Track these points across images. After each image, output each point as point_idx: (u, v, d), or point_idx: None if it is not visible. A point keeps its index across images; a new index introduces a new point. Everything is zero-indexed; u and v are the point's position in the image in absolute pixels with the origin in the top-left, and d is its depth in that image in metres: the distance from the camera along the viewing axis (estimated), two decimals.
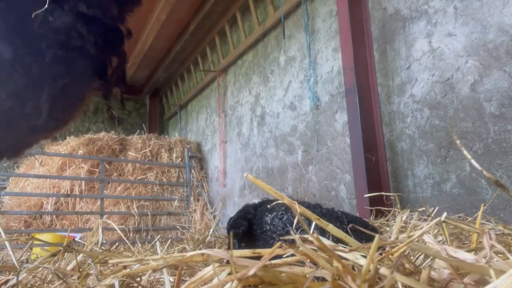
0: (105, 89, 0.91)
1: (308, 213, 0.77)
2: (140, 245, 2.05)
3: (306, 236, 0.60)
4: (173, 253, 1.73)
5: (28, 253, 1.94)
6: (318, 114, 3.28)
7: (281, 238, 0.69)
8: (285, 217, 1.26)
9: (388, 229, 1.74)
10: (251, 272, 0.50)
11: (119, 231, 1.50)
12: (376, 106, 2.59)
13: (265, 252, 0.66)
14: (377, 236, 0.58)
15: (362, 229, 0.87)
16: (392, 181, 2.52)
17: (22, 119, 0.81)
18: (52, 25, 0.70)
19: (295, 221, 0.76)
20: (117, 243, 2.44)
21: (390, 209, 2.13)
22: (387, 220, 1.95)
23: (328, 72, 3.20)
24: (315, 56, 3.38)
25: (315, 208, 1.26)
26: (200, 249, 1.68)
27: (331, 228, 0.74)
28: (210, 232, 2.15)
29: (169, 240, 2.13)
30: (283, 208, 1.31)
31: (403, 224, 1.50)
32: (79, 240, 3.54)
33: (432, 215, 1.56)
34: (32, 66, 0.72)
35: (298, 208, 0.75)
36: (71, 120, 0.91)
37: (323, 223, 0.75)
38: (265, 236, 1.25)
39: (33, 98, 0.75)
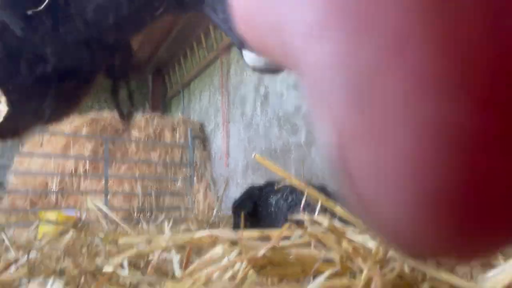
0: (112, 86, 0.90)
1: (316, 193, 0.77)
2: (145, 225, 2.08)
3: (315, 217, 0.60)
4: (178, 233, 1.75)
5: (36, 232, 1.97)
6: None
7: (290, 218, 0.69)
8: (291, 198, 1.26)
9: None
10: (260, 254, 0.50)
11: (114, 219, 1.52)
12: None
13: (274, 233, 0.66)
14: None
15: None
16: None
17: (23, 102, 0.80)
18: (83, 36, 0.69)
19: (302, 202, 0.77)
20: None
21: None
22: None
23: None
24: None
25: (320, 189, 1.26)
26: (204, 229, 1.70)
27: (339, 209, 0.74)
28: (214, 213, 2.17)
29: (173, 220, 2.14)
30: (288, 189, 1.32)
31: None
32: (84, 219, 3.58)
33: None
34: (50, 60, 0.71)
35: (306, 189, 0.75)
36: (66, 117, 0.90)
37: (331, 204, 0.75)
38: (270, 218, 1.26)
39: (42, 90, 0.74)
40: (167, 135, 5.29)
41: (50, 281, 0.47)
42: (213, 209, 2.50)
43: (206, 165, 5.34)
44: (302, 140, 3.47)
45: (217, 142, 5.33)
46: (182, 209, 4.68)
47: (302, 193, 1.26)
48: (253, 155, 0.81)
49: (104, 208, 1.22)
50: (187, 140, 5.39)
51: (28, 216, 3.97)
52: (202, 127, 5.77)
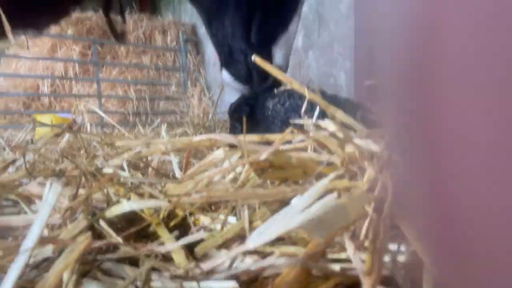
0: (104, 2, 0.80)
1: (317, 98, 0.75)
2: (141, 128, 2.08)
3: (322, 121, 0.58)
4: (176, 136, 1.76)
5: (32, 134, 1.97)
6: None
7: (291, 122, 0.68)
8: (288, 103, 1.24)
9: None
10: (263, 157, 0.49)
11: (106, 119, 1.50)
12: None
13: (274, 137, 0.65)
14: None
15: (371, 116, 0.85)
16: None
17: None
18: None
19: (304, 106, 0.75)
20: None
21: None
22: None
23: None
24: None
25: (320, 94, 1.24)
26: (200, 133, 1.71)
27: (340, 114, 0.72)
28: (210, 117, 2.17)
29: (169, 124, 2.14)
30: (285, 93, 1.29)
31: None
32: (79, 122, 3.58)
33: None
34: None
35: (307, 93, 0.73)
36: (52, 23, 0.83)
37: (332, 109, 0.73)
38: (267, 122, 1.26)
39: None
40: (158, 39, 5.04)
41: (50, 181, 0.46)
42: (208, 114, 2.50)
43: (200, 69, 5.21)
44: (299, 44, 3.34)
45: (211, 46, 5.09)
46: (177, 113, 4.67)
47: (300, 98, 1.24)
48: (252, 57, 0.76)
49: (98, 111, 1.20)
50: (179, 44, 5.16)
51: (23, 119, 3.96)
52: (194, 30, 5.48)
